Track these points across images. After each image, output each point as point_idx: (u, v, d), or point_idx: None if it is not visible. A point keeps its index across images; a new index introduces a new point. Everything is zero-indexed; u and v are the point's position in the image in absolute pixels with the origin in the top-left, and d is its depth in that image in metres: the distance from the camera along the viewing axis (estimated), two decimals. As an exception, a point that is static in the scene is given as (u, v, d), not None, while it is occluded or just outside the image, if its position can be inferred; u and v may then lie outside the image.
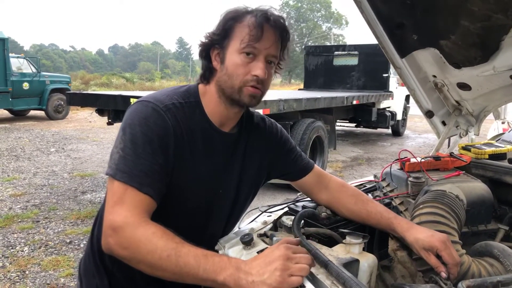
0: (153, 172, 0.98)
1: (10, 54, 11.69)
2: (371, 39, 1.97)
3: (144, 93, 6.18)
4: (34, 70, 12.34)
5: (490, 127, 5.63)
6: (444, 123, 2.39)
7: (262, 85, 1.08)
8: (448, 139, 2.53)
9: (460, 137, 2.40)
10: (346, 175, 6.73)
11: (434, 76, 2.06)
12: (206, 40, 1.10)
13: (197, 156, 1.09)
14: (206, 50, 1.11)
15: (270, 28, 1.04)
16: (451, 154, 1.76)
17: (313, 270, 0.94)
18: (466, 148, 1.87)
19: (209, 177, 1.13)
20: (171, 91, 1.12)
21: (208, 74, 1.13)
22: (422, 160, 1.65)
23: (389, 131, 11.70)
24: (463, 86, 2.00)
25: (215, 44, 1.09)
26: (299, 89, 11.89)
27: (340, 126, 11.29)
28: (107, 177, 1.02)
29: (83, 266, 1.25)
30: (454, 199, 1.31)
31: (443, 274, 1.05)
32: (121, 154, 0.98)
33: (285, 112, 5.32)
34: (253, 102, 1.09)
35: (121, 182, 0.95)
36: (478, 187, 1.46)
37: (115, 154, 1.00)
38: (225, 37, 1.06)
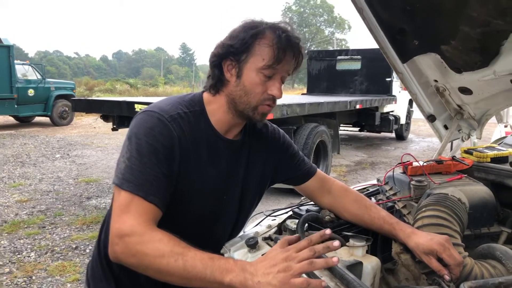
0: (158, 182, 1.00)
1: (15, 61, 11.78)
2: (373, 44, 1.99)
3: (148, 99, 6.24)
4: (39, 77, 12.43)
5: (495, 130, 5.61)
6: (446, 127, 2.40)
7: (274, 102, 1.12)
8: (450, 142, 2.54)
9: (462, 140, 2.41)
10: (350, 179, 6.73)
11: (436, 81, 2.07)
12: (222, 51, 1.08)
13: (202, 164, 1.10)
14: (220, 60, 1.10)
15: (291, 50, 1.07)
16: (453, 158, 1.78)
17: (317, 272, 0.95)
18: (468, 151, 1.88)
19: (214, 185, 1.14)
20: (176, 100, 1.13)
21: (219, 85, 1.12)
22: (425, 163, 1.66)
23: (393, 135, 11.67)
24: (465, 90, 2.02)
25: (230, 56, 1.08)
26: (302, 94, 11.91)
27: (344, 130, 11.29)
28: (112, 183, 1.04)
29: (91, 271, 1.27)
30: (456, 202, 1.32)
31: (446, 277, 1.06)
32: (127, 163, 1.00)
33: (288, 117, 5.34)
34: (263, 119, 1.15)
35: (127, 191, 0.97)
36: (480, 190, 1.47)
37: (121, 163, 1.01)
38: (244, 51, 1.05)
